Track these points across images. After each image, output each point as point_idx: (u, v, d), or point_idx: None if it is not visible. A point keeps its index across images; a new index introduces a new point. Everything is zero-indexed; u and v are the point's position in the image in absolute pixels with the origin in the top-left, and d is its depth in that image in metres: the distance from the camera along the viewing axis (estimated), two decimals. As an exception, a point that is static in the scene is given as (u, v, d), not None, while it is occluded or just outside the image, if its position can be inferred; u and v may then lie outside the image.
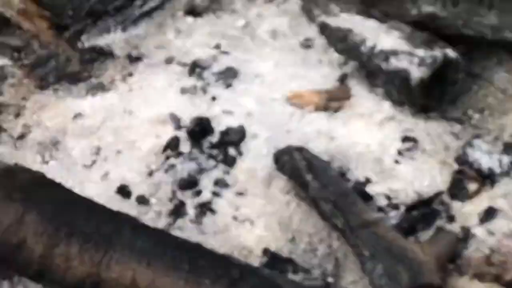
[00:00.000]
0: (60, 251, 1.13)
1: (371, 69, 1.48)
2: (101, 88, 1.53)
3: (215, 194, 1.34)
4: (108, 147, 1.42)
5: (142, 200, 1.34)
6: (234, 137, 1.41)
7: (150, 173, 1.37)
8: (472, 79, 1.51)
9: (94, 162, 1.40)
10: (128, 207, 1.30)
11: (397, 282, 1.11)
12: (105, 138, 1.44)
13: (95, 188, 1.34)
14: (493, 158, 1.39)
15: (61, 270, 1.14)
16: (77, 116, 1.47)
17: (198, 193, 1.34)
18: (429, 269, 1.14)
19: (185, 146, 1.40)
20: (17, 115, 1.48)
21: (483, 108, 1.48)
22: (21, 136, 1.44)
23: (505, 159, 1.39)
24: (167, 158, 1.39)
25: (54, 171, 1.33)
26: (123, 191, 1.35)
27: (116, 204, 1.28)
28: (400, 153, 1.40)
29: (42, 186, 1.20)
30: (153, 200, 1.34)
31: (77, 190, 1.23)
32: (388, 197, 1.33)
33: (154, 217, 1.31)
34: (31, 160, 1.39)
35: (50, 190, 1.20)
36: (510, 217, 1.29)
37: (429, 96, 1.44)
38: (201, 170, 1.37)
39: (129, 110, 1.48)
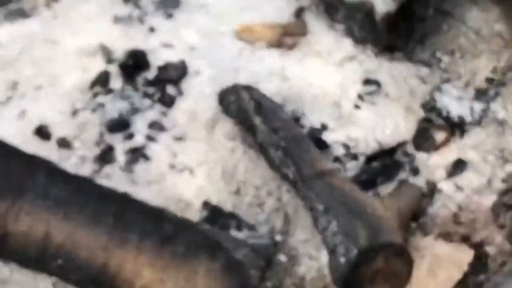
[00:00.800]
0: None
1: (331, 2, 1.41)
2: (21, 14, 1.41)
3: (150, 138, 1.24)
4: (27, 82, 1.30)
5: (64, 143, 1.23)
6: (174, 74, 1.31)
7: (75, 112, 1.26)
8: (442, 17, 1.45)
9: (9, 98, 1.29)
10: (48, 151, 1.19)
11: (354, 240, 1.02)
12: (23, 71, 1.32)
13: (10, 127, 1.23)
14: (463, 105, 1.34)
15: None
16: None
17: (130, 136, 1.25)
18: (389, 227, 1.06)
19: (116, 83, 1.29)
20: None
21: (454, 50, 1.43)
22: None
23: (477, 106, 1.34)
24: (95, 95, 1.28)
25: None
26: (42, 132, 1.24)
27: (34, 146, 1.16)
28: (360, 97, 1.34)
29: None
30: (76, 144, 1.23)
31: None
32: (346, 146, 1.26)
33: (77, 162, 1.20)
34: None
35: None
36: (480, 170, 1.25)
37: (395, 34, 1.38)
38: (134, 111, 1.27)
39: (53, 39, 1.36)
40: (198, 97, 1.29)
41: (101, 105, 1.27)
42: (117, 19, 1.40)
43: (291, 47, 1.38)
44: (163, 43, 1.36)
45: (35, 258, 1.02)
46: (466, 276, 1.09)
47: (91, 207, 1.03)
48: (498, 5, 1.42)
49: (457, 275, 1.09)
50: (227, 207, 1.16)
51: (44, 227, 1.00)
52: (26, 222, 1.00)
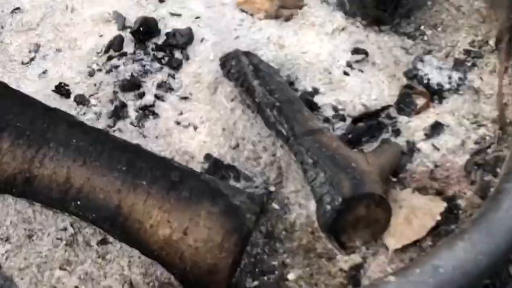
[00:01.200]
0: None
1: None
2: None
3: (158, 97, 1.30)
4: (48, 45, 1.36)
5: (81, 100, 1.28)
6: (181, 40, 1.36)
7: (91, 73, 1.32)
8: None
9: (32, 59, 1.34)
10: (67, 107, 1.25)
11: (339, 190, 1.08)
12: (44, 35, 1.38)
13: (32, 86, 1.29)
14: (442, 74, 1.37)
15: None
16: (16, 10, 1.41)
17: (141, 95, 1.30)
18: (371, 179, 1.12)
19: (129, 47, 1.35)
20: None
21: (436, 24, 1.46)
22: None
23: (455, 75, 1.37)
24: (110, 58, 1.34)
25: None
26: (62, 90, 1.29)
27: (54, 103, 1.22)
28: (349, 65, 1.37)
29: None
30: (93, 101, 1.29)
31: (13, 86, 1.18)
32: (335, 108, 1.30)
33: (93, 118, 1.26)
34: None
35: None
36: (455, 133, 1.28)
37: (382, 9, 1.40)
38: (145, 72, 1.32)
39: (72, 6, 1.41)
40: (202, 62, 1.33)
41: (115, 67, 1.32)
42: None
43: (287, 18, 1.42)
44: (171, 12, 1.40)
45: (57, 199, 1.07)
46: (438, 225, 1.13)
47: (107, 156, 1.08)
48: None
49: (430, 224, 1.13)
50: (227, 160, 1.21)
51: (65, 172, 1.06)
52: (50, 167, 1.06)
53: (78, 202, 1.07)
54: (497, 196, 1.09)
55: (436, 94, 1.34)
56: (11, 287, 1.05)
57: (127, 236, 1.07)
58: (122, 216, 1.05)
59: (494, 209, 1.07)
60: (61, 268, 1.09)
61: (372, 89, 1.34)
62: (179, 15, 1.41)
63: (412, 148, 1.26)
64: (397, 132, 1.28)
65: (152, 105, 1.28)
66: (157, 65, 1.33)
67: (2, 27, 1.37)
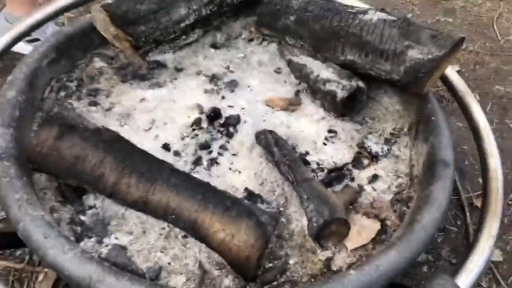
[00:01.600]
0: (125, 181, 0.98)
1: (315, 89, 1.31)
2: (157, 85, 1.33)
3: (220, 154, 1.18)
4: (159, 120, 1.24)
5: (177, 154, 1.17)
6: (233, 121, 1.25)
7: (183, 138, 1.20)
8: (370, 100, 1.35)
9: (150, 128, 1.22)
10: (168, 158, 1.15)
11: (321, 215, 0.99)
12: (158, 114, 1.25)
13: (149, 144, 1.18)
14: (378, 146, 1.26)
15: (124, 193, 1.00)
16: (142, 100, 1.29)
17: (210, 152, 1.18)
18: (340, 209, 1.02)
19: (204, 124, 1.24)
20: (107, 96, 1.29)
21: (374, 117, 1.33)
22: (108, 109, 1.26)
23: (385, 147, 1.25)
24: (193, 130, 1.22)
25: (126, 133, 1.16)
26: (166, 147, 1.18)
27: (161, 156, 1.12)
28: (326, 139, 1.25)
29: (117, 141, 1.04)
30: (183, 154, 1.17)
31: (138, 145, 1.07)
32: (318, 164, 1.19)
33: (183, 165, 1.15)
34: (113, 125, 1.21)
35: (122, 144, 1.05)
36: (385, 181, 1.18)
37: (346, 108, 1.28)
38: (213, 139, 1.20)
39: (173, 99, 1.29)
40: (245, 134, 1.22)
41: (196, 135, 1.20)
42: (206, 91, 1.31)
43: (293, 110, 1.30)
44: (228, 105, 1.29)
45: (161, 214, 0.98)
46: (376, 236, 1.06)
47: (191, 189, 0.98)
48: (398, 95, 1.32)
49: (371, 235, 1.05)
50: (256, 191, 1.11)
51: (166, 198, 0.96)
52: (158, 196, 0.96)
53: (173, 216, 0.97)
54: (412, 222, 1.02)
55: (374, 158, 1.22)
56: (131, 265, 0.96)
57: (200, 237, 0.97)
58: (197, 225, 0.96)
59: (410, 231, 1.00)
60: (161, 251, 0.99)
61: (339, 154, 1.22)
62: (232, 106, 1.29)
63: (361, 189, 1.15)
64: (352, 179, 1.17)
65: (216, 158, 1.17)
66: (219, 135, 1.22)
67: (135, 109, 1.26)
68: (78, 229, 1.01)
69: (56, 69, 1.28)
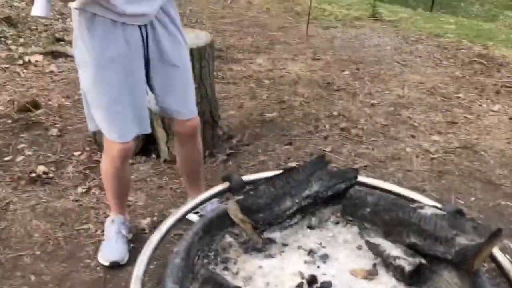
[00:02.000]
0: None
1: (387, 263, 1.65)
2: (270, 256, 1.69)
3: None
4: (272, 283, 1.55)
5: None
6: (326, 285, 1.53)
7: None
8: (434, 273, 1.62)
9: None
10: None
11: None
12: (271, 278, 1.58)
13: None
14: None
15: None
16: (260, 267, 1.64)
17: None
18: None
19: (305, 287, 1.54)
20: (235, 263, 1.68)
21: (436, 287, 1.65)
22: (236, 273, 1.65)
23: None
24: None
25: None
26: None
27: None
28: None
29: None
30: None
31: None
32: None
33: None
34: (240, 285, 1.58)
35: None
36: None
37: (412, 279, 1.58)
38: None
39: (282, 267, 1.62)
40: None
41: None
42: (305, 261, 1.64)
43: (371, 279, 1.57)
44: (322, 273, 1.57)
45: None
46: None
47: None
48: (456, 271, 1.57)
49: None
50: None
51: None
52: None
53: None
54: None
55: None
56: None
57: None
58: None
59: None
60: None
61: None
62: (325, 274, 1.59)
63: None
64: None
65: None
66: None
67: (254, 274, 1.68)
68: None
69: (202, 242, 1.82)
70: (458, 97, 4.05)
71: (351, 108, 3.80)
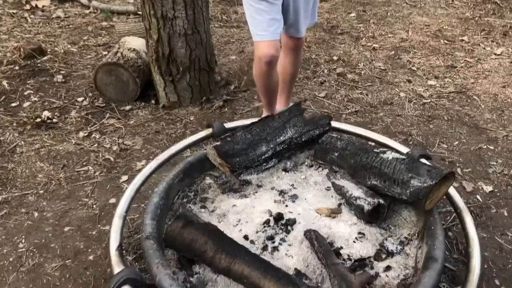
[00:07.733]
0: (218, 256, 1.52)
1: (350, 203, 1.79)
2: (244, 196, 1.84)
3: (280, 244, 1.63)
4: (243, 219, 1.71)
5: (252, 242, 1.63)
6: (291, 222, 1.70)
7: (257, 232, 1.67)
8: (394, 212, 1.78)
9: (237, 224, 1.70)
10: (246, 244, 1.60)
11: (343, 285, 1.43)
12: (243, 215, 1.74)
13: (235, 235, 1.64)
14: (394, 246, 1.69)
15: (217, 263, 1.52)
16: (234, 206, 1.79)
17: (273, 242, 1.64)
18: (355, 285, 1.44)
19: (272, 223, 1.71)
20: (212, 202, 1.83)
21: (396, 225, 1.76)
22: (212, 211, 1.78)
23: (399, 247, 1.68)
24: (264, 227, 1.70)
25: (222, 227, 1.65)
26: (246, 237, 1.66)
27: (242, 242, 1.58)
28: (356, 238, 1.68)
29: (216, 231, 1.61)
30: (256, 242, 1.63)
31: (228, 235, 1.56)
32: (348, 255, 1.61)
33: (255, 249, 1.59)
34: (214, 221, 1.70)
35: (219, 233, 1.60)
36: (396, 271, 1.60)
37: (371, 217, 1.73)
38: (276, 234, 1.67)
39: (253, 205, 1.78)
40: (298, 232, 1.65)
41: (266, 230, 1.67)
42: (275, 201, 1.81)
43: (334, 217, 1.73)
44: (289, 211, 1.75)
45: (237, 275, 1.49)
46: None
47: (258, 264, 1.46)
48: (414, 210, 1.72)
49: None
50: (303, 271, 1.52)
51: (242, 269, 1.46)
52: (237, 267, 1.47)
53: (245, 280, 1.45)
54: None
55: (390, 254, 1.64)
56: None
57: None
58: (260, 286, 1.45)
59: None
60: None
61: (364, 249, 1.64)
62: (291, 212, 1.74)
63: (377, 275, 1.57)
64: (371, 268, 1.59)
65: (277, 247, 1.62)
66: (281, 231, 1.67)
67: (229, 211, 1.87)
68: (188, 285, 1.63)
69: (182, 184, 2.00)
70: (462, 40, 3.98)
71: (352, 52, 3.79)
